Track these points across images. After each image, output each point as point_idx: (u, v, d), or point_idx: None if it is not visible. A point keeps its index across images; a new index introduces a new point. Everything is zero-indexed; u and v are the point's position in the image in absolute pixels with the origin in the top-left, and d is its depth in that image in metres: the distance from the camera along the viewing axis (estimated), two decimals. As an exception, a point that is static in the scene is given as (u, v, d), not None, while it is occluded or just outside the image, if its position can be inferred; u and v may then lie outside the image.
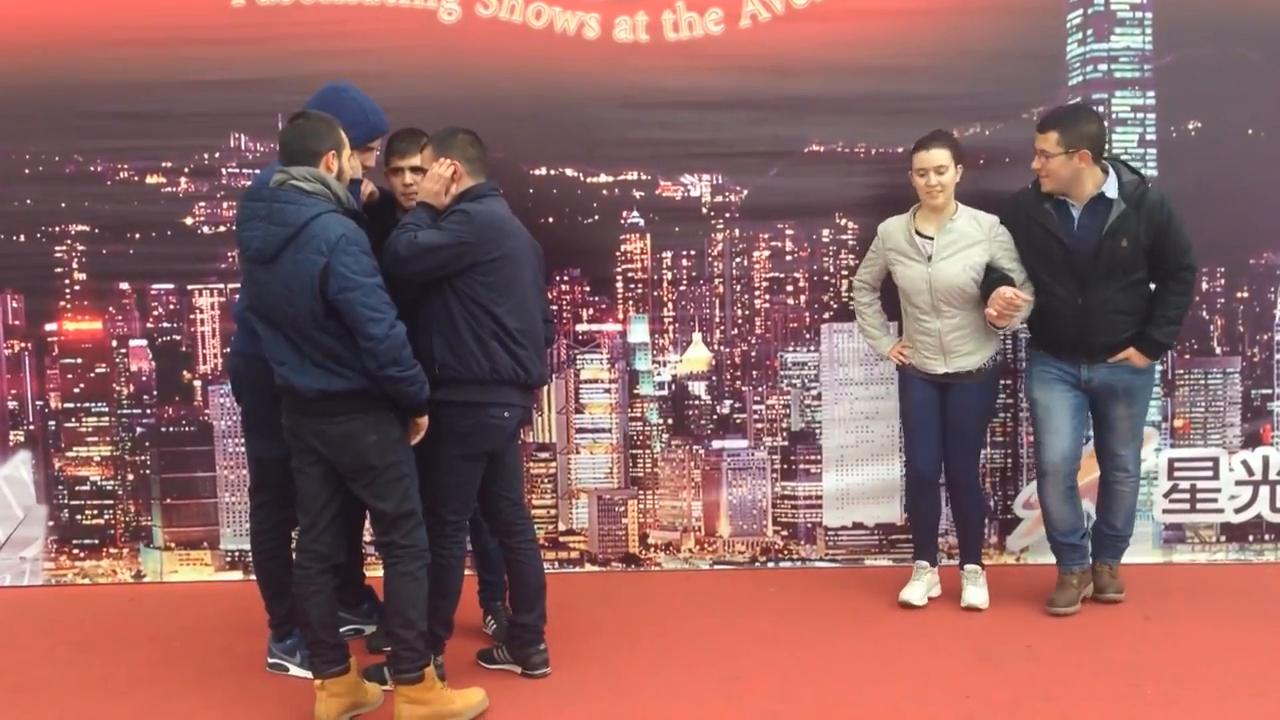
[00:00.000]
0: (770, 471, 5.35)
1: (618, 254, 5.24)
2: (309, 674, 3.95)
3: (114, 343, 5.28)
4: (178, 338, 5.28)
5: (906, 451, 4.83)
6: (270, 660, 4.28)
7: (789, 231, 5.24)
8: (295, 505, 3.82)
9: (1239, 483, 5.24)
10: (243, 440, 4.42)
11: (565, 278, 5.24)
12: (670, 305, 5.29)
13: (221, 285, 5.20)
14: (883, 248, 4.67)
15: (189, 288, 5.25)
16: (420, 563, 3.73)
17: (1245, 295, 5.19)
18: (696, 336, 5.32)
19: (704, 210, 5.22)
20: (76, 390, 5.31)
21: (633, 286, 5.27)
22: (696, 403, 5.35)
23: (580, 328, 5.30)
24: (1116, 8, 5.07)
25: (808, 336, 5.29)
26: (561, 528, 5.39)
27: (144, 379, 5.30)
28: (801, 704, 3.90)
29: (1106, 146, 4.62)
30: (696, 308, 5.30)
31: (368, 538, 4.39)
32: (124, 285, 5.26)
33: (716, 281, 5.29)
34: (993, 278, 4.42)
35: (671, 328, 5.31)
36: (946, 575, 4.85)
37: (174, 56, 5.06)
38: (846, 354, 5.25)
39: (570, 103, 5.08)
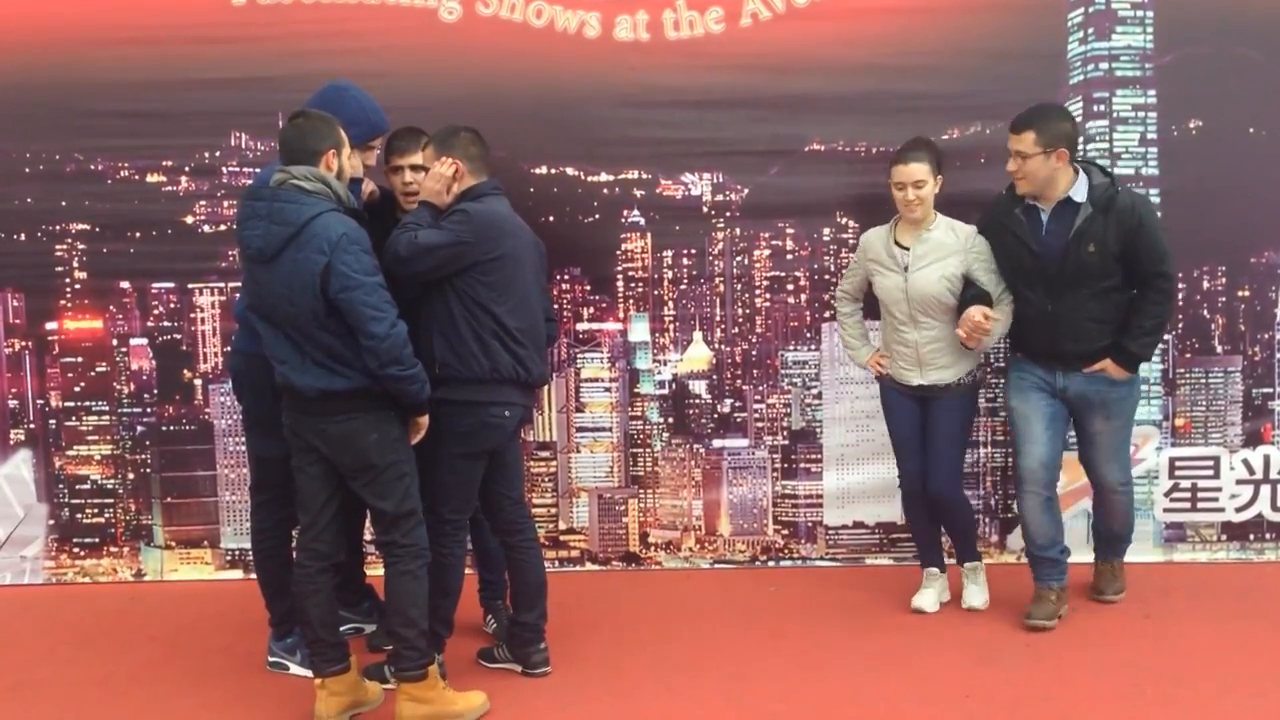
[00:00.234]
0: (771, 470, 5.35)
1: (618, 253, 5.24)
2: (309, 673, 3.96)
3: (114, 341, 5.28)
4: (178, 336, 5.29)
5: (897, 464, 4.77)
6: (270, 659, 4.28)
7: (789, 230, 5.24)
8: (296, 504, 3.83)
9: (1240, 482, 5.24)
10: (243, 439, 4.43)
11: (566, 276, 5.24)
12: (671, 304, 5.29)
13: (222, 284, 5.21)
14: (864, 258, 4.64)
15: (189, 286, 5.25)
16: (421, 561, 3.74)
17: (1246, 294, 5.18)
18: (697, 335, 5.32)
19: (704, 209, 5.22)
20: (77, 389, 5.31)
21: (633, 285, 5.27)
22: (697, 401, 5.35)
23: (581, 326, 5.30)
24: (1117, 6, 5.06)
25: (808, 335, 5.29)
26: (562, 527, 5.39)
27: (144, 378, 5.30)
28: (801, 704, 3.90)
29: (1090, 147, 4.59)
30: (697, 306, 5.30)
31: (368, 536, 4.39)
32: (124, 284, 5.26)
33: (717, 280, 5.29)
34: (968, 295, 4.38)
35: (672, 326, 5.31)
36: (951, 574, 4.84)
37: (175, 55, 5.06)
38: (847, 353, 5.25)
39: (571, 101, 5.07)
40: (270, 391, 3.76)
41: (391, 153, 4.19)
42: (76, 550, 5.37)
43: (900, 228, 4.53)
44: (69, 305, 5.26)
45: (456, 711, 3.78)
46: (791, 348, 5.31)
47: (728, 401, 5.34)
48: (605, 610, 4.82)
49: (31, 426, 5.34)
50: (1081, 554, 4.83)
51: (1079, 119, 5.05)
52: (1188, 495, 5.26)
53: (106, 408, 5.31)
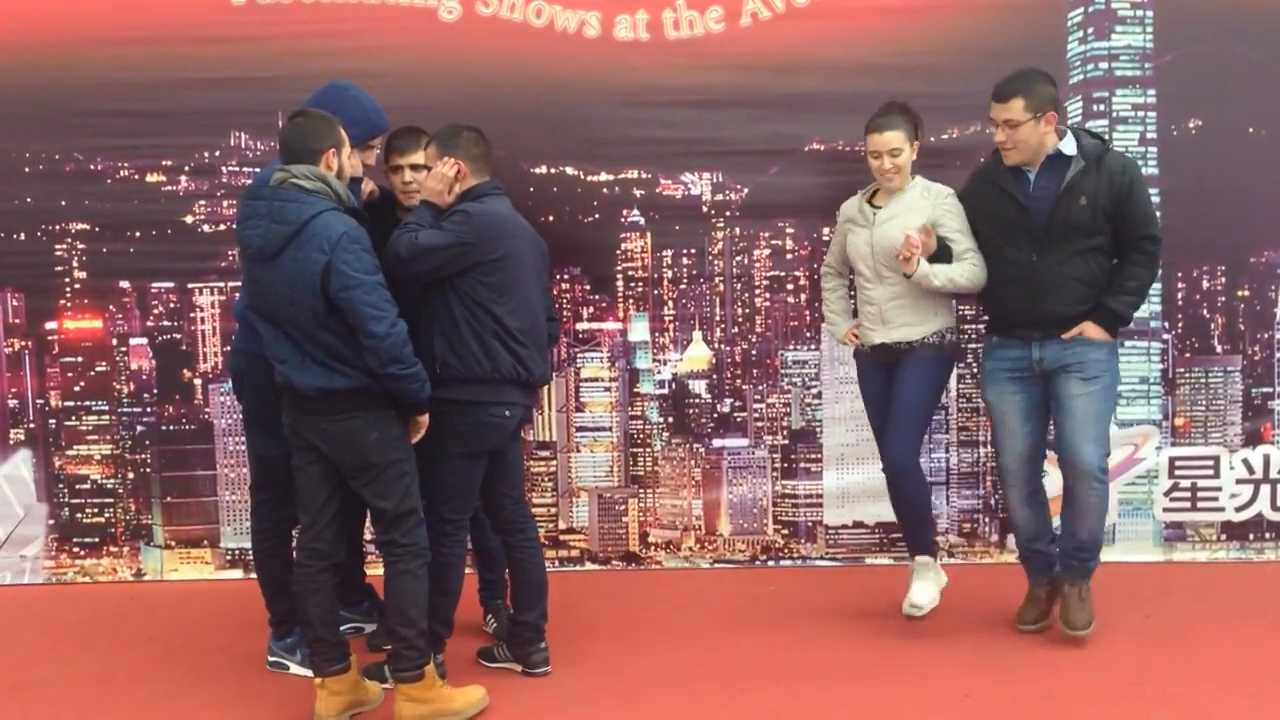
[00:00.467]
0: (771, 470, 5.35)
1: (618, 252, 5.25)
2: (309, 672, 3.95)
3: (114, 341, 5.28)
4: (178, 336, 5.29)
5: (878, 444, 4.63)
6: (270, 658, 4.28)
7: (789, 230, 5.25)
8: (296, 503, 3.82)
9: (1240, 481, 5.24)
10: (243, 438, 4.43)
11: (566, 276, 5.24)
12: (670, 303, 5.29)
13: (222, 284, 5.21)
14: (841, 224, 4.57)
15: (189, 286, 5.25)
16: (421, 561, 3.73)
17: (1246, 293, 5.19)
18: (697, 335, 5.32)
19: (704, 208, 5.22)
20: (77, 389, 5.31)
21: (633, 285, 5.27)
22: (697, 401, 5.35)
23: (581, 326, 5.30)
24: (1117, 6, 5.07)
25: (808, 335, 5.29)
26: (562, 526, 5.39)
27: (144, 377, 5.30)
28: (801, 704, 3.90)
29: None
30: (697, 306, 5.30)
31: (368, 536, 4.39)
32: (124, 284, 5.26)
33: (717, 280, 5.29)
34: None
35: (672, 326, 5.31)
36: (960, 585, 4.82)
37: (174, 55, 5.06)
38: (847, 352, 5.21)
39: (570, 101, 5.08)
40: (271, 391, 3.76)
41: (391, 152, 4.19)
42: (76, 550, 5.37)
43: (878, 193, 4.45)
44: (69, 305, 5.26)
45: (455, 709, 3.79)
46: (791, 347, 5.31)
47: (728, 401, 5.34)
48: (605, 610, 4.82)
49: (31, 426, 5.34)
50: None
51: (1079, 119, 5.07)
52: (1187, 495, 5.26)
53: (106, 407, 5.31)
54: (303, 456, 3.72)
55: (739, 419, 5.35)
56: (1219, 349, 5.23)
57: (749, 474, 5.36)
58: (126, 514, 5.36)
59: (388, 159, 4.21)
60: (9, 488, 5.34)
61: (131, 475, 5.34)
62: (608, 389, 5.35)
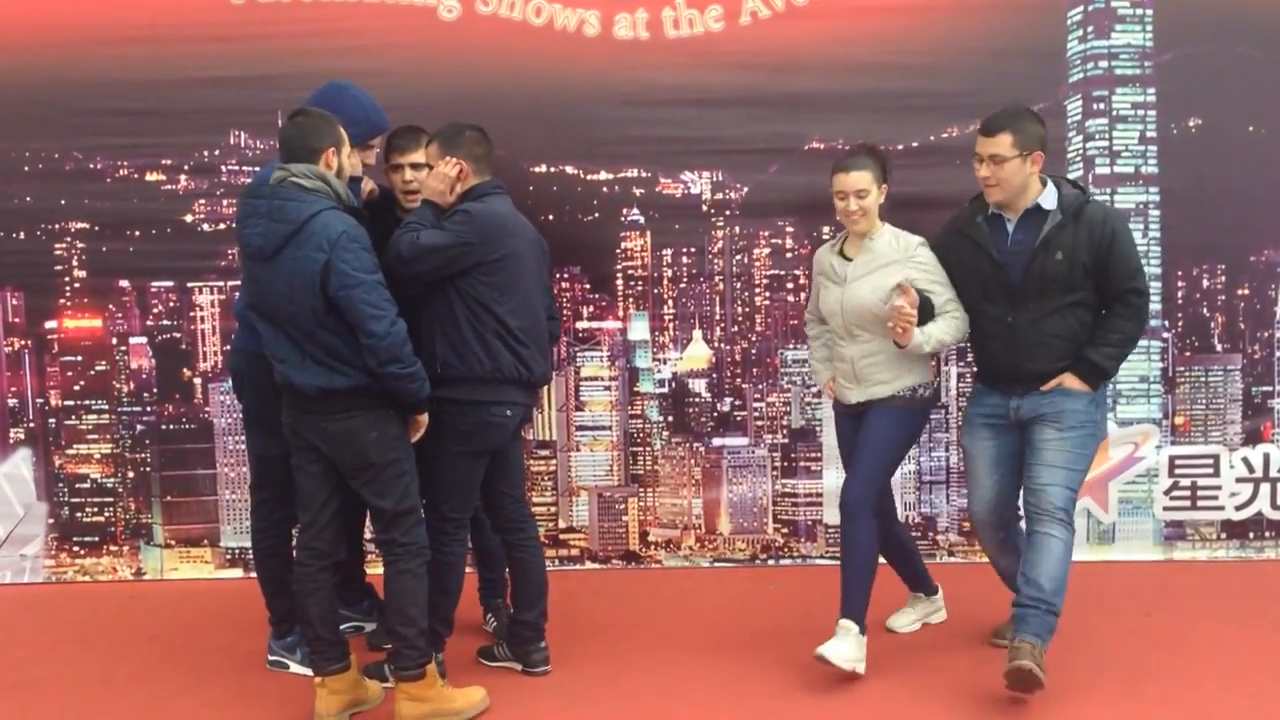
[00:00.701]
0: (770, 469, 5.35)
1: (618, 251, 5.25)
2: (309, 671, 3.95)
3: (114, 340, 5.29)
4: (178, 335, 5.29)
5: None
6: (270, 658, 4.28)
7: (789, 229, 5.25)
8: (296, 503, 3.82)
9: (1240, 480, 5.25)
10: (243, 437, 4.43)
11: (565, 275, 5.24)
12: (670, 302, 5.29)
13: (221, 283, 5.21)
14: (816, 274, 4.35)
15: (189, 285, 5.26)
16: (420, 560, 3.74)
17: (1246, 292, 5.19)
18: (697, 334, 5.32)
19: (704, 207, 5.22)
20: (77, 388, 5.31)
21: (633, 284, 5.27)
22: (697, 400, 5.35)
23: (580, 325, 5.30)
24: (1117, 4, 5.07)
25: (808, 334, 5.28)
26: (562, 525, 5.39)
27: (144, 376, 5.30)
28: (801, 703, 3.90)
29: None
30: (697, 305, 5.30)
31: (368, 535, 4.39)
32: (124, 283, 5.26)
33: (717, 279, 5.29)
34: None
35: (672, 325, 5.31)
36: (959, 584, 4.83)
37: (174, 54, 5.07)
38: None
39: (570, 100, 5.08)
40: (270, 390, 3.76)
41: (391, 151, 4.19)
42: (76, 549, 5.37)
43: (848, 240, 4.23)
44: (68, 304, 5.26)
45: (455, 709, 3.79)
46: (791, 346, 5.31)
47: (727, 400, 5.34)
48: (605, 609, 4.82)
49: (31, 425, 5.34)
50: (1079, 552, 4.79)
51: (1079, 117, 5.07)
52: (1187, 493, 5.26)
53: (106, 406, 5.32)
54: (302, 456, 3.72)
55: (739, 418, 5.35)
56: (1219, 348, 5.23)
57: (749, 473, 5.36)
58: (126, 513, 5.36)
59: (388, 158, 4.21)
60: (9, 487, 5.34)
61: (131, 474, 5.34)
62: (608, 388, 5.35)
